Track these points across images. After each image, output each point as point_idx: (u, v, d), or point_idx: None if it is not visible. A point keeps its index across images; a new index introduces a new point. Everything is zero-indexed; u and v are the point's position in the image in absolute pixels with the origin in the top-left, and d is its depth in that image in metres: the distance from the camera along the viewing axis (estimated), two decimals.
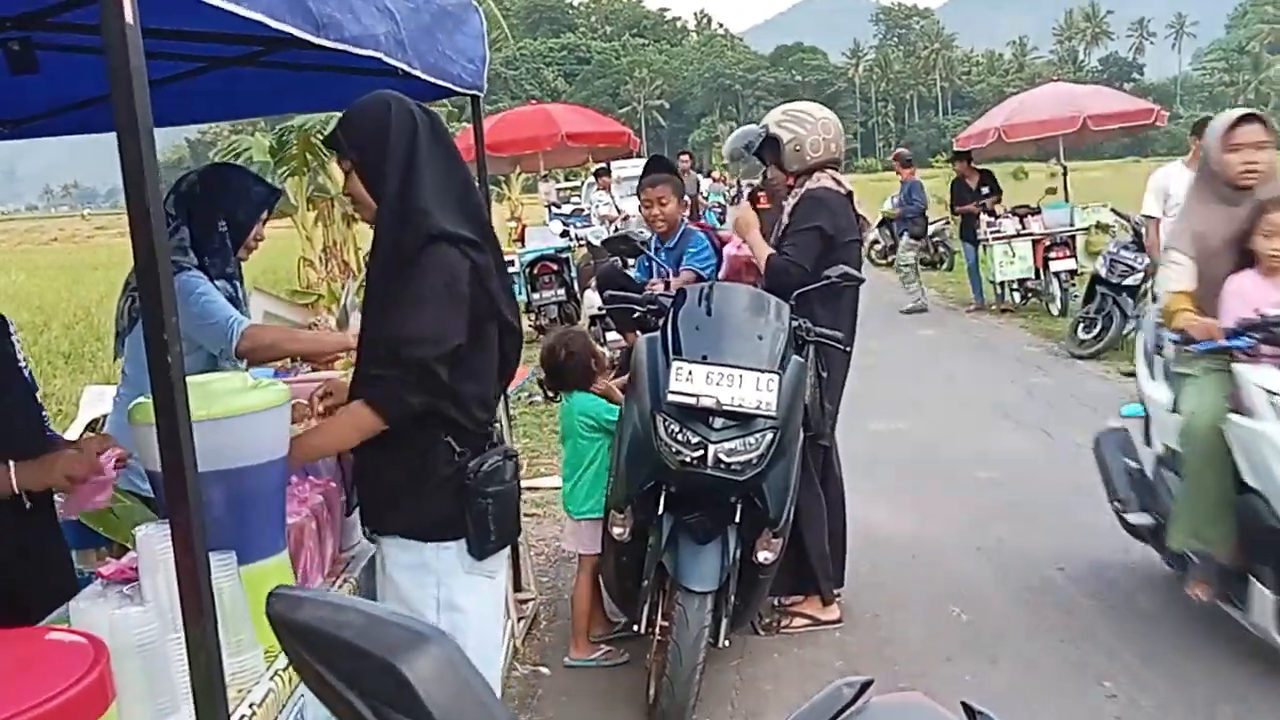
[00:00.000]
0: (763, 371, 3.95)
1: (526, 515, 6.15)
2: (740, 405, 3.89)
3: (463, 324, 2.69)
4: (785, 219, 4.82)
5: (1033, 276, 13.94)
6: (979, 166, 15.00)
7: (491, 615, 2.98)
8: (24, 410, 2.89)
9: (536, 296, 13.31)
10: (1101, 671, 4.35)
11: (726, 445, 3.88)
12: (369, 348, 2.75)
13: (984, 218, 14.17)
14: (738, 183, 9.45)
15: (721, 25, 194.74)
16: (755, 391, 3.91)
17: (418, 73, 3.57)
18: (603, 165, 17.11)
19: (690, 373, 3.93)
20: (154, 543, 2.07)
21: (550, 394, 4.78)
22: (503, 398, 3.09)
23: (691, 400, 3.89)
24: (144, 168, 1.72)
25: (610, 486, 4.29)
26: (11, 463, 2.59)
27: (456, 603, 2.81)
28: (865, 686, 1.95)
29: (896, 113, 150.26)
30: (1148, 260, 9.66)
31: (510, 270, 13.36)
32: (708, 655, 3.98)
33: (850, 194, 4.88)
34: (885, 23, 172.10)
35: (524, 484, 6.33)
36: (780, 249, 4.74)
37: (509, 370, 2.97)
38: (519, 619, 4.82)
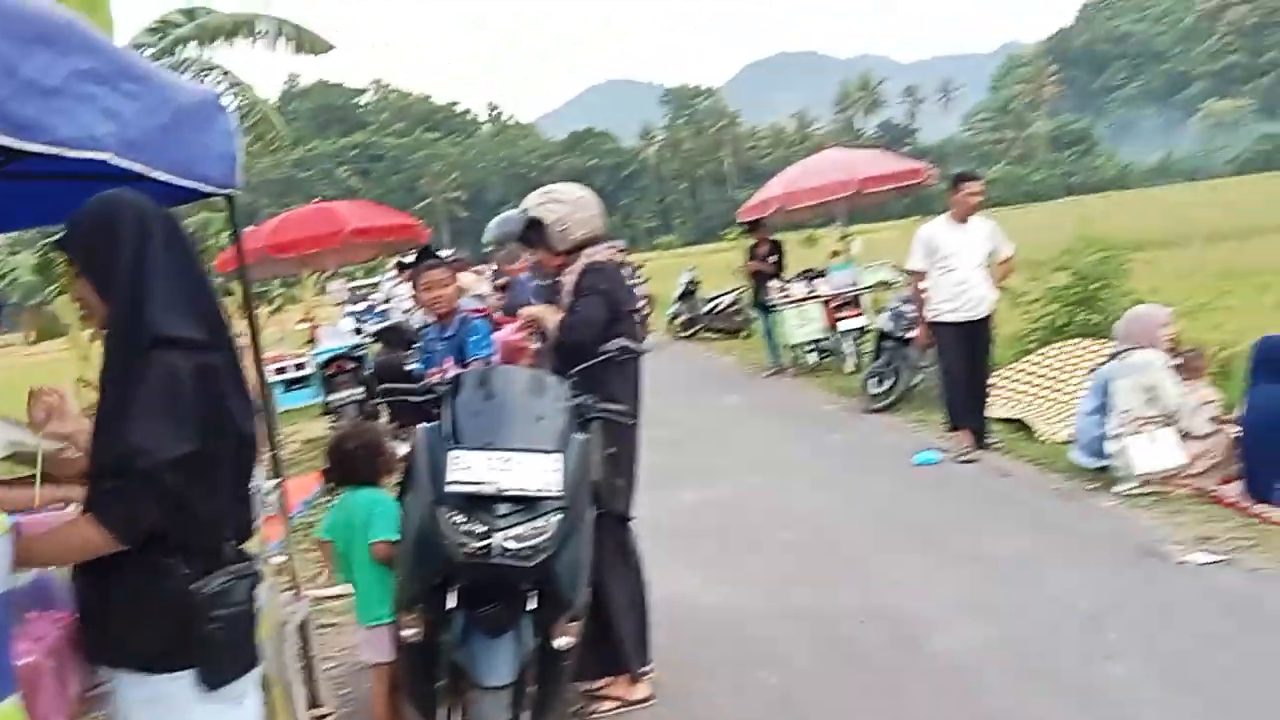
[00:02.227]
0: (545, 452, 3.88)
1: (325, 626, 5.91)
2: (524, 489, 3.81)
3: (189, 430, 2.51)
4: (569, 296, 4.79)
5: (825, 337, 14.34)
6: (771, 238, 15.44)
7: None
8: None
9: (334, 396, 13.00)
10: None
11: (513, 531, 3.78)
12: (96, 461, 2.56)
13: (773, 284, 14.56)
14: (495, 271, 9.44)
15: (512, 116, 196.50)
16: (538, 474, 3.84)
17: (158, 174, 3.43)
18: (400, 258, 16.88)
19: (469, 461, 3.83)
20: None
21: (332, 487, 4.62)
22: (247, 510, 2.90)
23: (472, 489, 3.79)
24: None
25: (397, 586, 4.13)
26: None
27: None
28: None
29: (692, 189, 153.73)
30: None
31: (305, 373, 13.12)
32: None
33: (622, 264, 4.90)
34: (672, 104, 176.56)
35: (319, 593, 6.11)
36: (570, 310, 4.72)
37: (244, 483, 2.80)
38: None
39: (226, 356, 2.70)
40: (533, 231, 4.84)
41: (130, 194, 2.73)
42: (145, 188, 3.49)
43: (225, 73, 11.94)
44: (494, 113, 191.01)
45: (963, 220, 8.76)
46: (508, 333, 4.93)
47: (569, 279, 4.80)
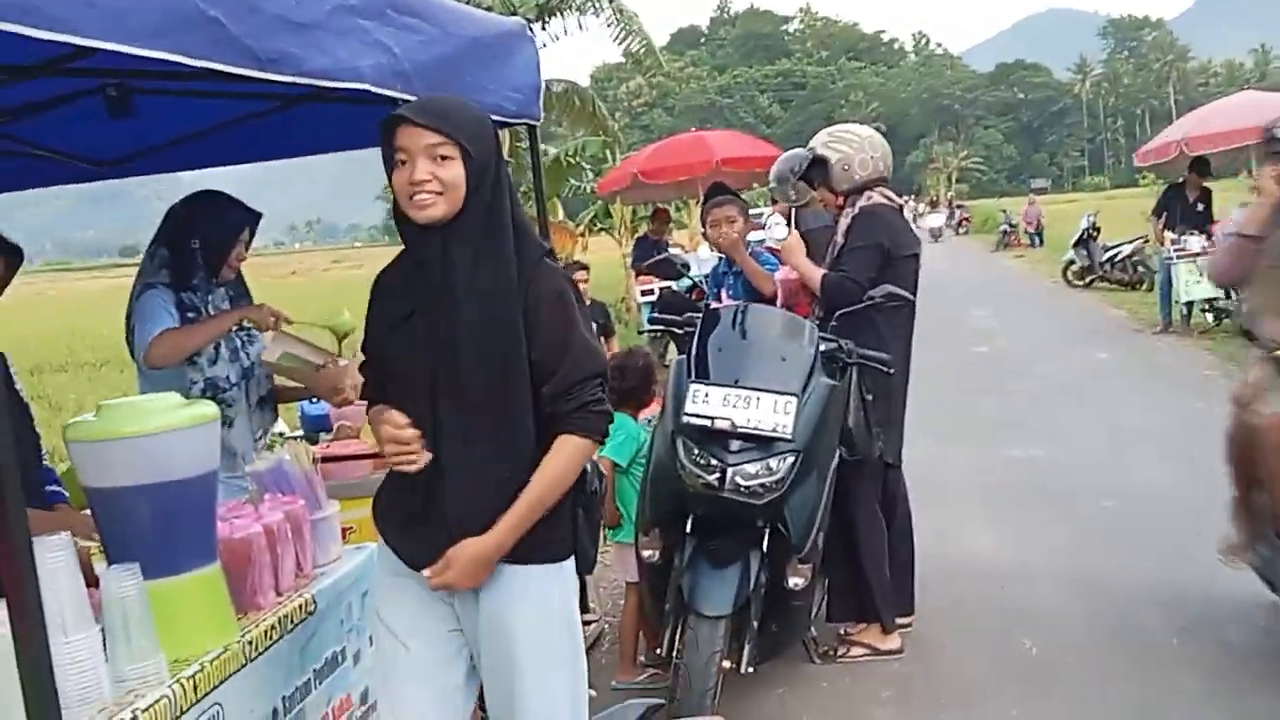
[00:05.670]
0: (781, 394, 3.89)
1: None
2: (756, 427, 3.85)
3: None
4: (840, 239, 4.74)
5: (1223, 296, 13.10)
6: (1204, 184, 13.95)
7: None
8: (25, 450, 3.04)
9: None
10: (1164, 713, 4.09)
11: (746, 469, 3.85)
12: (555, 379, 2.56)
13: (1168, 235, 13.46)
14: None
15: (940, 45, 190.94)
16: (772, 414, 3.87)
17: None
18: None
19: (707, 395, 3.92)
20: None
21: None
22: None
23: (706, 422, 3.87)
24: None
25: (639, 508, 4.30)
26: None
27: (576, 620, 2.73)
28: (654, 709, 1.95)
29: (1127, 128, 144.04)
30: None
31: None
32: (746, 681, 4.01)
33: (902, 208, 4.78)
34: (1114, 36, 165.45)
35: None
36: (836, 267, 4.67)
37: None
38: None
39: None
40: (816, 169, 4.80)
41: None
42: None
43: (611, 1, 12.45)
44: (921, 42, 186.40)
45: None
46: (787, 271, 4.91)
47: (843, 222, 4.73)
